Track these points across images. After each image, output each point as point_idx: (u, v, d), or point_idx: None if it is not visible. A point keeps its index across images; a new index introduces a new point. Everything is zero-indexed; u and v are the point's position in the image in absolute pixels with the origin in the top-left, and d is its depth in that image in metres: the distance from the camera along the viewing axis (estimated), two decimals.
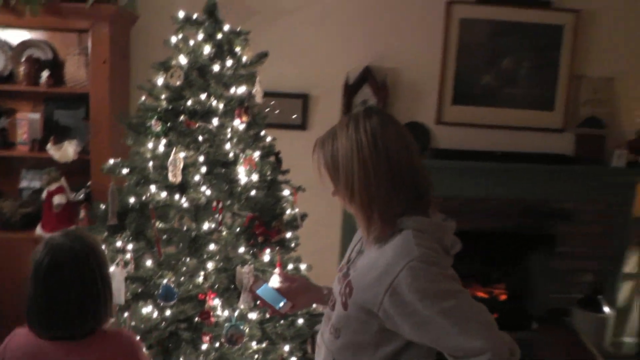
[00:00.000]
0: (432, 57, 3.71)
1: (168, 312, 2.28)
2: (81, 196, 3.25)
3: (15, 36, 3.42)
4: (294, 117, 3.66)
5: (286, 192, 2.52)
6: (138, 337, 2.09)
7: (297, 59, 3.62)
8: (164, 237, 2.26)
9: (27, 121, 3.34)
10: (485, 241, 3.81)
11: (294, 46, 3.61)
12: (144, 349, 2.15)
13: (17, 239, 3.22)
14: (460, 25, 3.66)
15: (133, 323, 2.30)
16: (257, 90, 2.47)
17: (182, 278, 2.27)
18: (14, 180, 3.51)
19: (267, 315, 2.35)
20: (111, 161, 2.37)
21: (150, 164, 2.32)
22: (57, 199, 3.07)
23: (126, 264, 2.22)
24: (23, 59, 3.28)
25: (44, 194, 3.15)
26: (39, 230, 3.16)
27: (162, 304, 2.20)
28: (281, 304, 1.64)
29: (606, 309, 3.77)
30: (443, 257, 1.37)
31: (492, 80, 3.75)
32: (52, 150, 3.15)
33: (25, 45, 3.40)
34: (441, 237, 1.40)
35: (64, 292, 1.60)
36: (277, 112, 3.52)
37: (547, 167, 3.75)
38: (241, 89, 2.41)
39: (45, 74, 3.24)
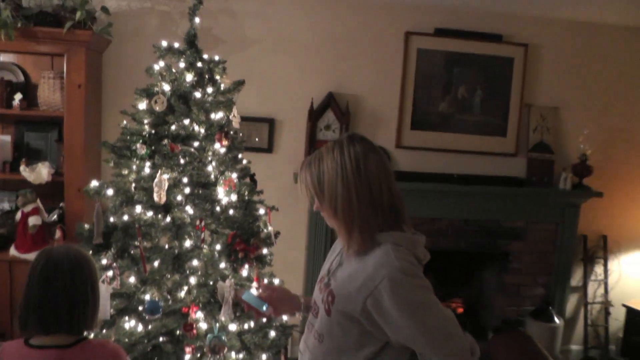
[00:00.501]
0: (392, 85, 3.87)
1: (151, 326, 2.37)
2: (54, 217, 3.28)
3: None
4: (256, 140, 3.78)
5: (261, 212, 2.66)
6: None
7: (264, 85, 3.73)
8: (148, 254, 2.36)
9: None
10: (444, 259, 3.94)
11: (261, 73, 3.71)
12: None
13: None
14: (418, 55, 3.83)
15: (113, 338, 2.36)
16: (235, 116, 2.60)
17: (165, 293, 2.36)
18: None
19: (246, 327, 2.47)
20: (95, 183, 2.45)
21: (133, 185, 2.42)
22: (33, 220, 3.09)
23: (111, 280, 2.30)
24: None
25: (19, 215, 3.17)
26: (13, 251, 3.17)
27: (147, 317, 2.29)
28: (264, 307, 1.79)
29: (556, 319, 4.00)
30: (417, 268, 1.54)
31: (448, 107, 3.93)
32: (25, 172, 3.17)
33: None
34: (415, 250, 1.56)
35: (57, 290, 1.70)
36: (240, 134, 3.67)
37: (501, 189, 3.94)
38: (219, 115, 2.53)
39: (18, 97, 3.26)
